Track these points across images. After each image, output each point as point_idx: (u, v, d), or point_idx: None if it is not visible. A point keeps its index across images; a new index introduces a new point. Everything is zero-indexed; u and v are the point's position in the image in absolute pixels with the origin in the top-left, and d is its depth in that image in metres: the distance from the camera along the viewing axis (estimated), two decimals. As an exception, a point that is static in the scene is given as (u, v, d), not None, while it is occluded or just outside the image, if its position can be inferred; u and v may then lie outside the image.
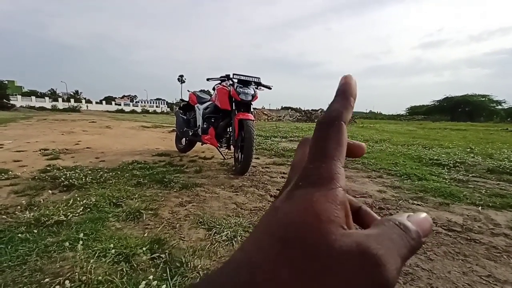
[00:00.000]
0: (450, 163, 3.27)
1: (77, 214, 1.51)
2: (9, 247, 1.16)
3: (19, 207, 1.59)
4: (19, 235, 1.26)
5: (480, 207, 1.85)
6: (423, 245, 1.32)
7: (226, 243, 1.29)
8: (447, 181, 2.49)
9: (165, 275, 1.03)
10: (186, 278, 1.01)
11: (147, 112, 39.58)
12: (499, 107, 34.98)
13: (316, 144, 0.16)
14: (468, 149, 4.61)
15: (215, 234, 1.36)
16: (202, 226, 1.45)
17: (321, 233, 0.12)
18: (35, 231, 1.30)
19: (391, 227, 0.14)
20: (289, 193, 0.14)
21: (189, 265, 1.08)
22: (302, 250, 0.12)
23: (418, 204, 1.89)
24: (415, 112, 41.87)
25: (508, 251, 1.29)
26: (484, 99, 35.25)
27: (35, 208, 1.58)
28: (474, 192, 2.21)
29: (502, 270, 1.14)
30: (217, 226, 1.43)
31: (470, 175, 2.79)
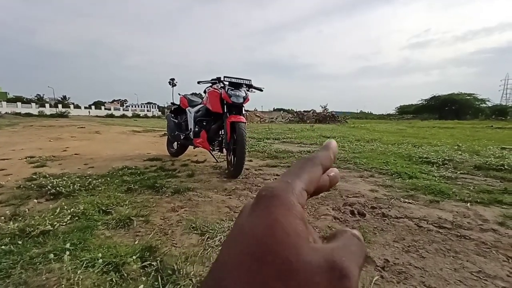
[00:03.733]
0: (439, 160, 3.33)
1: (65, 223, 1.46)
2: (-9, 261, 1.11)
3: (2, 217, 1.53)
4: (3, 247, 1.20)
5: (469, 204, 1.89)
6: (415, 243, 1.33)
7: (220, 248, 1.27)
8: (436, 179, 2.53)
9: (156, 283, 1.00)
10: (179, 286, 0.99)
11: (138, 116, 39.03)
12: (484, 105, 36.17)
13: (289, 169, 0.17)
14: (456, 147, 4.72)
15: (208, 239, 1.34)
16: (195, 232, 1.43)
17: (292, 248, 0.12)
18: (20, 242, 1.25)
19: (349, 238, 0.15)
20: (252, 206, 0.15)
21: (182, 272, 1.05)
22: (276, 267, 0.12)
23: (409, 203, 1.92)
24: (404, 112, 42.78)
25: (497, 246, 1.32)
26: (469, 97, 36.37)
27: (20, 218, 1.52)
28: (462, 188, 2.26)
29: (491, 265, 1.16)
30: (210, 231, 1.41)
31: (459, 172, 2.85)
